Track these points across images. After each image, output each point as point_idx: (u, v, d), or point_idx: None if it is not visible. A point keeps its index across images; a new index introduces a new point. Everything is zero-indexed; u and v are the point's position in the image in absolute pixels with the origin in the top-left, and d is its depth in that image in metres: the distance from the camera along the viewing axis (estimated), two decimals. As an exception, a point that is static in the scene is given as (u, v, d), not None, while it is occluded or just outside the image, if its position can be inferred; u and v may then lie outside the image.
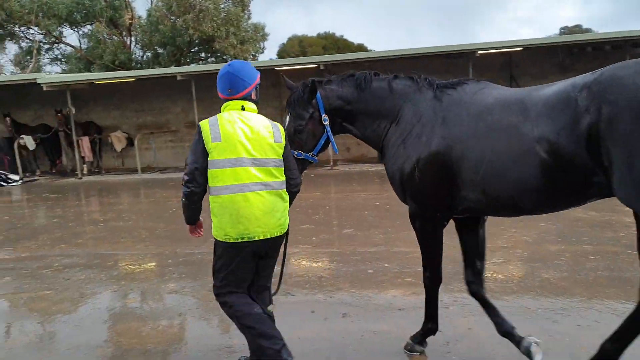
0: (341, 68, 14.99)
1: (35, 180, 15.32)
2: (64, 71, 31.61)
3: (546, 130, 2.41)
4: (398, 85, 3.18)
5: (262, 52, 31.97)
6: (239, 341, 3.61)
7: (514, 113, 2.57)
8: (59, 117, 15.42)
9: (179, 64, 27.36)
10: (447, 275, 3.47)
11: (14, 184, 14.42)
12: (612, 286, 4.26)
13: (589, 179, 2.38)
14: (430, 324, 3.20)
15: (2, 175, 14.48)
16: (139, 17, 30.17)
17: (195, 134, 2.79)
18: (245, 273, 2.83)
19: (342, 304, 4.13)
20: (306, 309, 4.04)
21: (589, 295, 4.09)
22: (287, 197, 2.91)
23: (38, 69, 29.54)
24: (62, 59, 33.10)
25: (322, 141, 3.24)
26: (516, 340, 2.93)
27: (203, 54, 30.22)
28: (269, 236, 2.77)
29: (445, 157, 2.80)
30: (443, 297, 3.64)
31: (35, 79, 13.75)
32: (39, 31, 29.71)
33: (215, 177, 2.73)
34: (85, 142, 15.10)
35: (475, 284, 3.10)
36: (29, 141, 15.30)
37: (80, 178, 14.92)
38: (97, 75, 14.78)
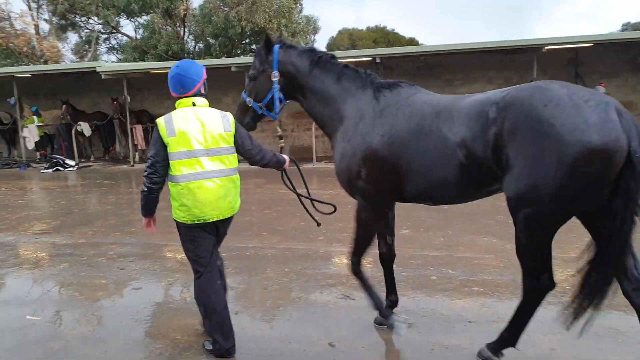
0: (396, 61, 14.66)
1: (89, 166, 15.76)
2: (119, 60, 32.56)
3: (465, 136, 2.75)
4: (345, 76, 3.41)
5: (313, 45, 31.81)
6: (300, 346, 3.43)
7: (441, 119, 2.89)
8: (114, 105, 15.77)
9: (229, 55, 27.59)
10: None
11: (70, 169, 14.86)
12: None
13: (493, 178, 2.75)
14: (393, 295, 3.66)
15: (60, 160, 14.96)
16: (193, 8, 30.60)
17: (155, 131, 3.15)
18: (206, 245, 3.26)
19: (406, 312, 3.85)
20: (368, 316, 3.78)
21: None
22: (238, 182, 3.31)
23: (95, 57, 30.53)
24: (118, 49, 34.07)
25: (269, 96, 3.54)
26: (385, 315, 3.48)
27: (254, 46, 30.31)
28: (221, 217, 3.20)
29: (385, 153, 3.09)
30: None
31: (94, 67, 14.10)
32: (98, 21, 30.66)
33: (174, 167, 3.09)
34: (138, 130, 15.38)
35: (386, 253, 3.58)
36: (85, 128, 15.74)
37: (133, 165, 15.21)
38: (152, 65, 15.00)
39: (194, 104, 3.18)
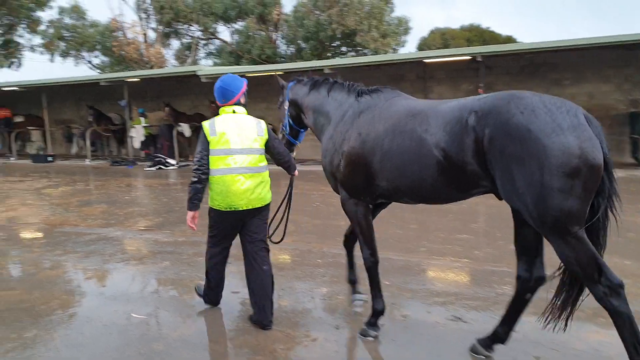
0: (498, 60, 13.76)
1: (188, 164, 16.48)
2: (215, 64, 34.04)
3: (442, 139, 2.91)
4: (334, 88, 3.92)
5: (404, 46, 31.19)
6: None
7: (417, 121, 3.09)
8: (212, 108, 16.36)
9: (320, 58, 27.73)
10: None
11: (171, 167, 15.62)
12: None
13: (476, 181, 2.89)
14: (380, 303, 3.64)
15: (162, 159, 15.78)
16: (286, 13, 31.22)
17: (201, 132, 3.74)
18: (230, 231, 3.86)
19: (530, 343, 3.39)
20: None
21: None
22: (267, 178, 3.85)
23: (195, 62, 32.19)
24: (215, 54, 35.65)
25: (285, 122, 4.29)
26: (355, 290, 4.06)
27: (344, 48, 30.29)
28: (250, 207, 3.72)
29: (360, 151, 3.37)
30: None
31: (195, 70, 14.71)
32: (198, 28, 32.29)
33: (213, 162, 3.68)
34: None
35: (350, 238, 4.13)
36: (185, 129, 16.50)
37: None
38: (248, 68, 15.37)
39: (233, 111, 3.82)
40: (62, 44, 31.12)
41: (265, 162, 3.86)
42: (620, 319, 2.58)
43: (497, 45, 16.15)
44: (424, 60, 13.60)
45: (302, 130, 4.40)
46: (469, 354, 3.30)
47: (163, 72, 16.81)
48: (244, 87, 3.88)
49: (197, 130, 17.07)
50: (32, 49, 30.59)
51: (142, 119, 17.21)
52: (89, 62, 33.69)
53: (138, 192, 11.59)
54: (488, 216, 7.70)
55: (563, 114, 2.58)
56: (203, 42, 34.99)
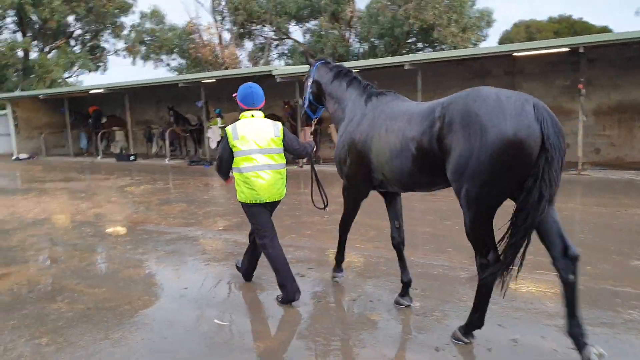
0: (599, 52, 12.51)
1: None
2: (287, 65, 34.34)
3: (416, 132, 3.42)
4: (352, 85, 4.31)
5: (485, 40, 29.80)
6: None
7: (403, 120, 3.60)
8: (285, 108, 16.30)
9: (394, 55, 27.08)
10: None
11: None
12: None
13: (442, 166, 3.27)
14: (340, 255, 4.70)
15: None
16: (359, 10, 30.85)
17: (224, 136, 4.23)
18: (264, 219, 4.34)
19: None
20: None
21: None
22: (285, 174, 4.34)
23: (267, 63, 32.61)
24: (288, 54, 35.96)
25: (306, 95, 4.73)
26: (405, 292, 4.23)
27: (420, 45, 29.43)
28: (272, 200, 4.27)
29: (361, 146, 3.91)
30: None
31: (270, 70, 14.69)
32: (271, 28, 32.70)
33: (237, 161, 4.19)
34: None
35: (396, 238, 4.35)
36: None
37: (301, 166, 15.54)
38: (323, 66, 15.16)
39: (252, 116, 4.28)
40: (143, 48, 32.67)
41: (283, 161, 4.37)
42: (484, 291, 3.27)
43: (602, 35, 14.70)
44: (514, 54, 12.65)
45: (320, 107, 4.80)
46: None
47: (238, 72, 16.98)
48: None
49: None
50: (116, 53, 32.37)
51: (218, 119, 17.51)
52: (167, 64, 35.18)
53: (215, 191, 11.67)
54: (595, 226, 6.89)
55: (510, 103, 2.93)
56: (275, 42, 35.43)
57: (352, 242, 6.35)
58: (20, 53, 26.60)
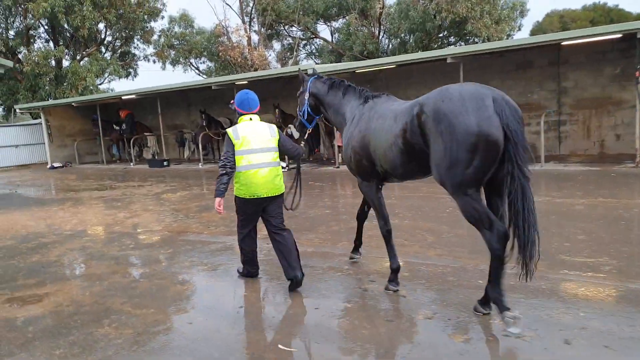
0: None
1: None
2: (316, 64, 33.93)
3: (400, 127, 3.91)
4: (348, 92, 4.88)
5: (520, 30, 28.79)
6: None
7: (391, 118, 4.09)
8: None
9: (426, 50, 26.34)
10: None
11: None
12: None
13: (427, 157, 3.71)
14: (395, 263, 4.55)
15: None
16: (389, 6, 30.19)
17: (227, 137, 4.68)
18: (255, 217, 4.82)
19: None
20: None
21: None
22: (280, 171, 4.78)
23: (296, 63, 32.23)
24: (316, 53, 35.54)
25: (303, 108, 5.22)
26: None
27: (452, 38, 28.60)
28: (269, 195, 4.66)
29: (362, 143, 4.41)
30: None
31: (306, 70, 14.22)
32: (299, 28, 32.32)
33: (238, 160, 4.62)
34: (339, 135, 15.14)
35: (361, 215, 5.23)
36: (294, 130, 16.12)
37: (338, 167, 15.05)
38: (358, 64, 14.60)
39: (250, 119, 4.72)
40: (172, 52, 32.72)
41: (278, 159, 4.78)
42: (497, 262, 3.52)
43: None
44: (562, 44, 11.87)
45: (316, 117, 5.29)
46: None
47: (271, 73, 16.58)
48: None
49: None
50: (146, 58, 32.50)
51: (250, 121, 17.16)
52: (197, 68, 35.16)
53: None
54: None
55: (472, 100, 3.35)
56: (303, 42, 35.06)
57: (410, 248, 5.85)
58: (52, 62, 26.89)
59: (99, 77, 28.06)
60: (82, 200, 11.59)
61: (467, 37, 27.21)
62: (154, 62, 32.61)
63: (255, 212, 4.76)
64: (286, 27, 32.99)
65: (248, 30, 31.33)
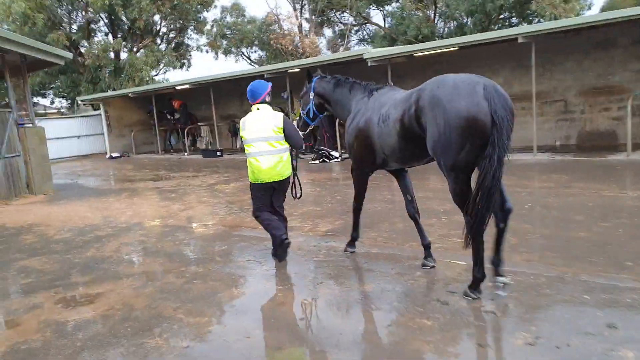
0: None
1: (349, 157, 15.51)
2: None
3: (399, 113, 4.21)
4: (354, 88, 5.12)
5: (589, 9, 26.75)
6: None
7: (391, 106, 4.39)
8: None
9: (485, 31, 24.92)
10: None
11: (335, 160, 14.81)
12: None
13: (424, 142, 4.02)
14: (355, 233, 5.37)
15: (326, 152, 15.05)
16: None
17: (239, 127, 5.36)
18: (265, 199, 5.25)
19: None
20: None
21: None
22: (286, 157, 5.15)
23: (347, 49, 31.47)
24: (368, 39, 34.61)
25: (309, 107, 5.51)
26: (428, 254, 4.86)
27: (514, 19, 26.95)
28: (272, 180, 5.10)
29: (365, 132, 4.71)
30: None
31: (362, 54, 13.60)
32: (351, 14, 31.52)
33: (245, 147, 5.17)
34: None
35: (411, 210, 4.95)
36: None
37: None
38: (418, 47, 13.78)
39: (258, 109, 5.12)
40: (224, 42, 32.79)
41: (283, 145, 5.09)
42: (475, 240, 3.85)
43: None
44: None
45: (320, 115, 5.56)
46: None
47: (327, 58, 15.98)
48: (268, 89, 5.18)
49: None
50: (199, 48, 32.75)
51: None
52: (248, 57, 35.13)
53: (310, 187, 10.84)
54: None
55: (464, 86, 3.68)
56: (355, 28, 34.23)
57: (492, 252, 5.13)
58: (111, 54, 27.54)
59: (154, 68, 28.52)
60: (137, 191, 11.57)
61: (531, 18, 25.50)
62: (207, 52, 32.85)
63: (263, 194, 5.22)
64: (337, 13, 32.26)
65: (299, 17, 30.85)
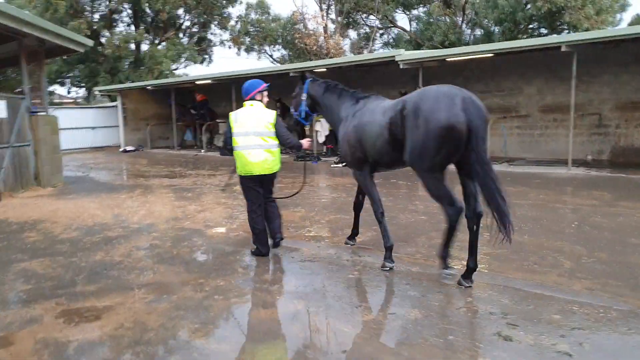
0: None
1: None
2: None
3: (387, 119, 4.55)
4: (342, 95, 5.39)
5: (620, 23, 25.91)
6: None
7: (379, 113, 4.72)
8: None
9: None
10: None
11: (336, 165, 14.16)
12: None
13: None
14: (388, 242, 5.07)
15: (312, 155, 14.61)
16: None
17: (228, 120, 5.42)
18: (253, 190, 5.39)
19: None
20: None
21: None
22: (275, 153, 5.37)
23: (371, 52, 30.84)
24: (392, 43, 33.95)
25: (301, 108, 5.70)
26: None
27: (543, 30, 26.15)
28: (262, 173, 5.29)
29: (355, 136, 4.96)
30: None
31: (393, 56, 12.96)
32: (377, 17, 30.90)
33: (234, 140, 5.31)
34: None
35: (357, 203, 5.68)
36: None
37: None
38: (452, 51, 13.10)
39: (251, 105, 5.38)
40: (247, 39, 32.35)
41: (274, 141, 5.34)
42: (452, 229, 4.44)
43: None
44: None
45: (312, 114, 5.79)
46: None
47: (359, 58, 15.25)
48: (261, 88, 5.44)
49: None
50: (222, 44, 32.32)
51: (326, 111, 16.14)
52: (270, 56, 34.65)
53: (331, 192, 10.22)
54: None
55: (444, 98, 4.09)
56: (380, 32, 33.61)
57: (546, 277, 4.42)
58: (132, 45, 27.19)
59: (175, 62, 28.13)
60: (151, 188, 11.02)
61: (562, 29, 24.70)
62: (230, 47, 32.40)
63: (253, 186, 5.37)
64: (364, 15, 31.67)
65: (325, 18, 30.30)
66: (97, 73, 27.53)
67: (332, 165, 14.27)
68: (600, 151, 13.44)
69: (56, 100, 33.25)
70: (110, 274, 5.03)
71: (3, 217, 8.08)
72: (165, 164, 16.45)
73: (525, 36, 26.25)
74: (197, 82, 19.94)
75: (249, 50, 32.58)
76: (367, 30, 32.67)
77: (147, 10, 27.08)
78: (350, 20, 31.53)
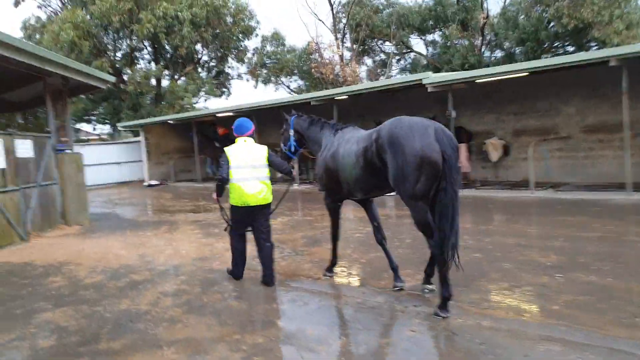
0: None
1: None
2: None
3: (361, 148, 4.84)
4: (324, 127, 5.78)
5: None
6: None
7: (354, 142, 5.03)
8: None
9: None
10: None
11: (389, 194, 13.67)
12: None
13: (386, 174, 4.62)
14: (334, 259, 5.88)
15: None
16: (493, 15, 27.87)
17: (224, 154, 5.69)
18: (245, 221, 5.78)
19: None
20: None
21: None
22: (269, 184, 5.74)
23: (389, 78, 30.62)
24: (409, 68, 33.73)
25: (289, 143, 6.11)
26: (397, 276, 5.32)
27: (570, 47, 25.59)
28: (257, 204, 5.62)
29: (332, 166, 5.31)
30: None
31: (420, 79, 12.58)
32: (392, 43, 30.80)
33: (231, 173, 5.61)
34: (463, 150, 13.21)
35: (378, 236, 5.51)
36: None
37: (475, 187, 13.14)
38: (482, 72, 12.63)
39: (245, 141, 5.76)
40: (264, 71, 32.50)
41: (268, 174, 5.74)
42: (440, 261, 4.41)
43: None
44: None
45: (299, 149, 6.21)
46: None
47: (383, 84, 14.87)
48: (253, 128, 5.93)
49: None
50: (239, 77, 32.52)
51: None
52: (287, 87, 34.71)
53: (367, 227, 9.68)
54: None
55: (418, 128, 4.33)
56: (397, 57, 33.46)
57: (586, 322, 4.00)
58: (153, 81, 27.48)
59: (195, 95, 28.30)
60: (177, 225, 10.67)
61: (589, 46, 24.12)
62: (247, 80, 32.58)
63: (244, 217, 5.71)
64: (379, 42, 31.61)
65: (340, 47, 30.30)
66: (120, 109, 27.83)
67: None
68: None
69: (83, 137, 33.69)
70: (136, 327, 4.58)
71: (29, 259, 7.79)
72: (189, 198, 16.18)
73: (548, 55, 25.72)
74: (218, 115, 19.85)
75: (266, 82, 32.70)
76: (383, 56, 32.56)
77: (167, 46, 27.43)
78: (366, 47, 31.46)
